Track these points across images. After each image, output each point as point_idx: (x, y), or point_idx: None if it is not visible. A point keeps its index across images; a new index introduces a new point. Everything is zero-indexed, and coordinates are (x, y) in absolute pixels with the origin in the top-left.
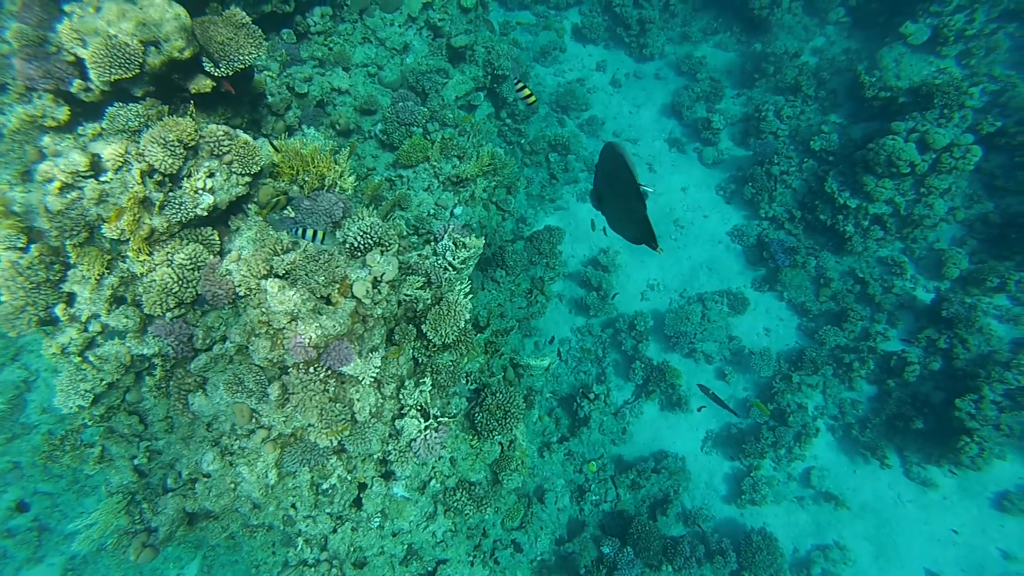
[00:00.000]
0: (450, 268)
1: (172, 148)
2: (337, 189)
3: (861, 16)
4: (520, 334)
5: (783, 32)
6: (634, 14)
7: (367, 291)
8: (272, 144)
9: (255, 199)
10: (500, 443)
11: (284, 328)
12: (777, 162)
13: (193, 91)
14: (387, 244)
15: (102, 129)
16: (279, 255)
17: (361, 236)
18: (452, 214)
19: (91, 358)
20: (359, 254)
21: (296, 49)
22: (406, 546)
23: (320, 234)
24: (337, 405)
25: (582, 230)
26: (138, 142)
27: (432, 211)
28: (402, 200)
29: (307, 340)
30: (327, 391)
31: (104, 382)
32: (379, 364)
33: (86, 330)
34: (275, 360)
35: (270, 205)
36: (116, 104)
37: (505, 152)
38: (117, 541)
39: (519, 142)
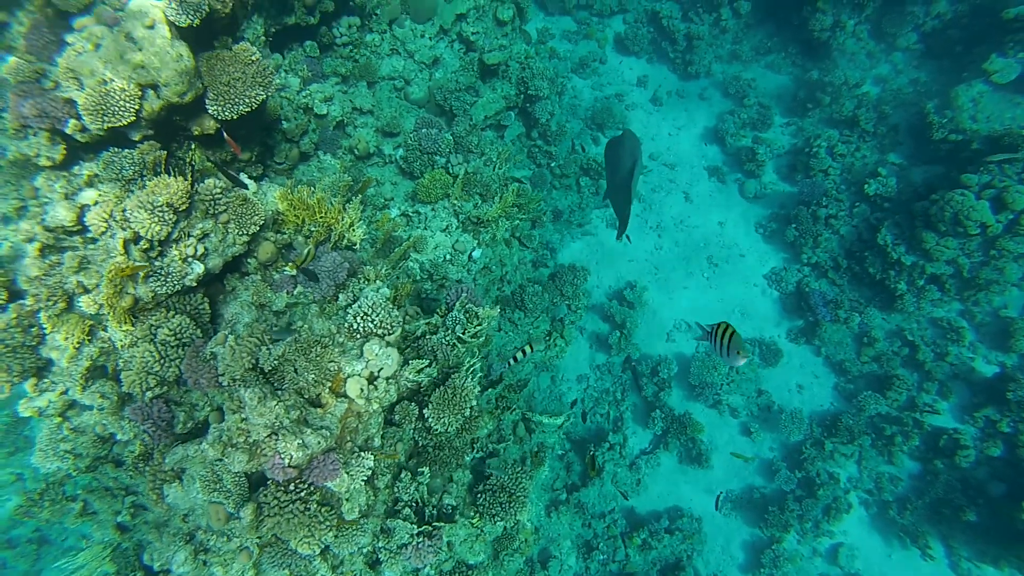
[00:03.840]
0: (458, 344)
1: (160, 214)
2: (345, 242)
3: (935, 44)
4: (536, 372)
5: (844, 58)
6: (681, 28)
7: (362, 390)
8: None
9: (255, 254)
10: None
11: (263, 440)
12: (825, 204)
13: (196, 133)
14: (389, 329)
15: (96, 174)
16: (266, 345)
17: (361, 318)
18: (471, 258)
19: (65, 431)
20: (358, 336)
21: (318, 65)
22: None
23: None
24: (322, 509)
25: (609, 258)
26: (131, 192)
27: (449, 255)
28: (417, 243)
29: (287, 461)
30: (308, 509)
31: (85, 445)
32: (371, 465)
33: (66, 393)
34: (253, 471)
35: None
36: (111, 149)
37: (533, 174)
38: None
39: (548, 164)
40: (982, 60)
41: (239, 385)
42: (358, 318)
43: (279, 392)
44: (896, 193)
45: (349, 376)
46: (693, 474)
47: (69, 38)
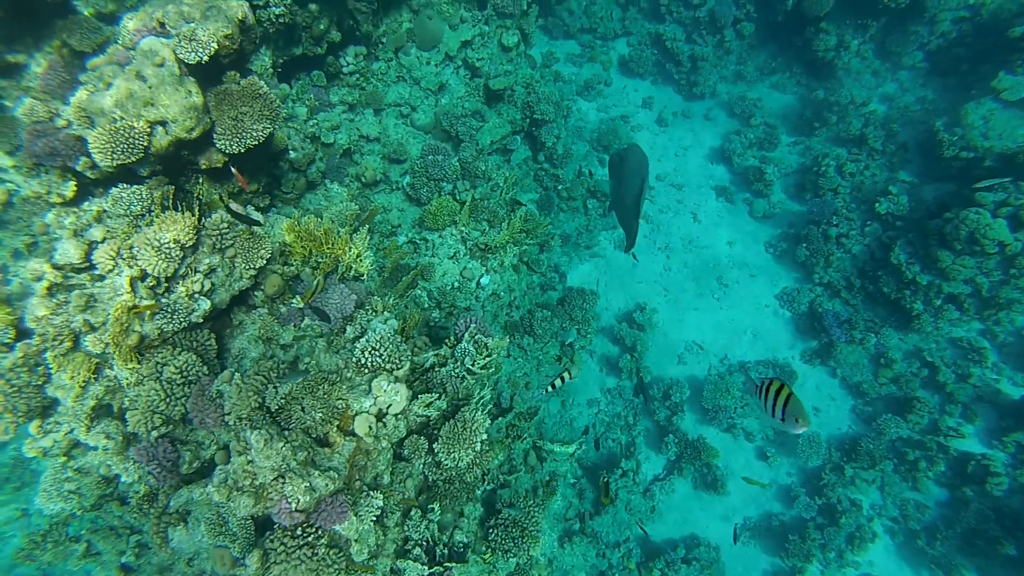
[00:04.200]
0: (468, 376)
1: (167, 251)
2: (352, 272)
3: (940, 62)
4: (546, 397)
5: (849, 77)
6: (685, 50)
7: (370, 427)
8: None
9: (262, 287)
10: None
11: (270, 484)
12: (836, 223)
13: (204, 167)
14: (398, 364)
15: (104, 209)
16: (273, 383)
17: (369, 353)
18: (479, 284)
19: (70, 472)
20: (366, 371)
21: (325, 94)
22: None
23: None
24: (330, 552)
25: (618, 279)
26: (139, 227)
27: (457, 283)
28: (425, 271)
29: (295, 505)
30: (315, 554)
31: (89, 486)
32: (380, 505)
33: (71, 433)
34: (260, 514)
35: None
36: (120, 185)
37: (540, 197)
38: None
39: (555, 187)
40: (990, 78)
41: (245, 424)
42: (366, 353)
43: (286, 432)
44: (908, 211)
45: (357, 413)
46: (709, 500)
47: (83, 77)
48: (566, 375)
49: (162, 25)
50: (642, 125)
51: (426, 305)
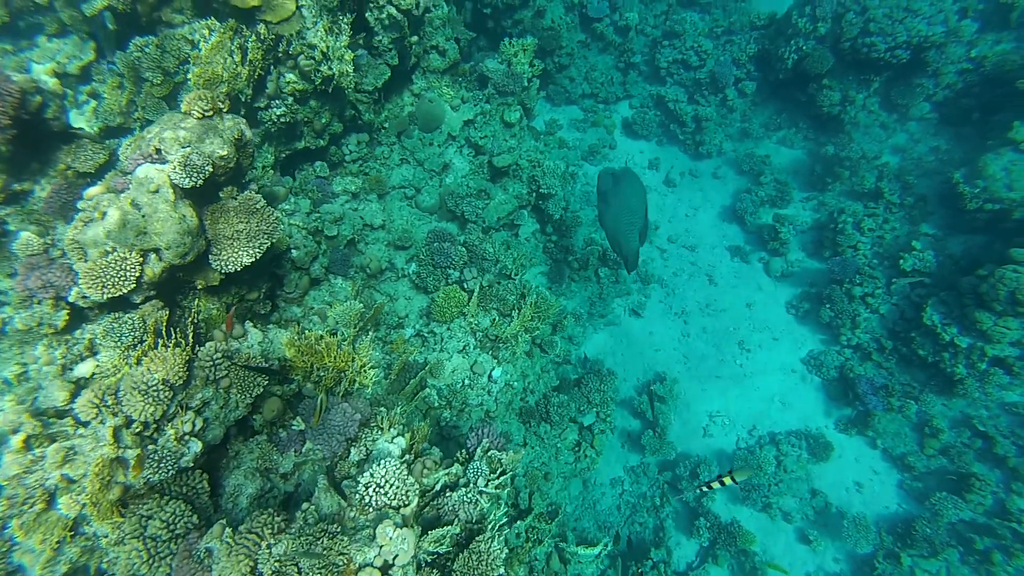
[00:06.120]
0: (481, 499)
1: (155, 394)
2: (356, 385)
3: (950, 112)
4: (566, 481)
5: (857, 131)
6: (688, 110)
7: None
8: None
9: (260, 411)
10: None
11: None
12: (859, 282)
13: (200, 286)
14: (405, 500)
15: (94, 338)
16: (267, 540)
17: (374, 491)
18: (491, 378)
19: None
20: (370, 510)
21: (328, 184)
22: None
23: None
24: None
25: (635, 347)
26: (130, 361)
27: (467, 379)
28: (433, 369)
29: None
30: None
31: None
32: None
33: None
34: None
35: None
36: (112, 315)
37: (550, 269)
38: None
39: (566, 259)
40: (1004, 128)
41: None
42: (370, 490)
43: None
44: (936, 267)
45: (360, 568)
46: None
47: (80, 204)
48: (727, 479)
49: (158, 151)
50: (650, 187)
51: (436, 404)
